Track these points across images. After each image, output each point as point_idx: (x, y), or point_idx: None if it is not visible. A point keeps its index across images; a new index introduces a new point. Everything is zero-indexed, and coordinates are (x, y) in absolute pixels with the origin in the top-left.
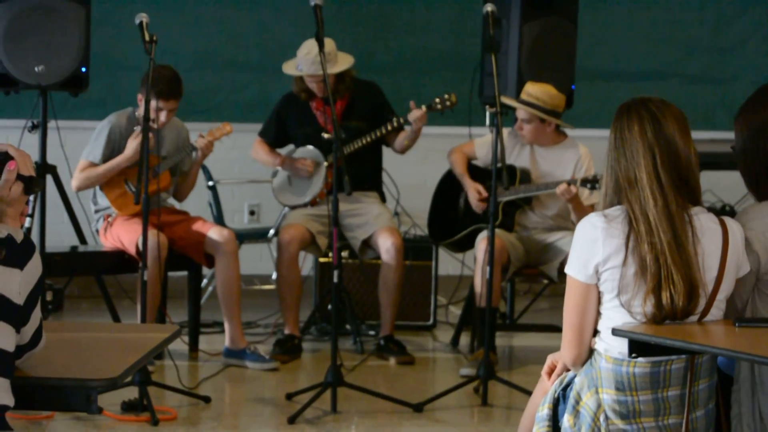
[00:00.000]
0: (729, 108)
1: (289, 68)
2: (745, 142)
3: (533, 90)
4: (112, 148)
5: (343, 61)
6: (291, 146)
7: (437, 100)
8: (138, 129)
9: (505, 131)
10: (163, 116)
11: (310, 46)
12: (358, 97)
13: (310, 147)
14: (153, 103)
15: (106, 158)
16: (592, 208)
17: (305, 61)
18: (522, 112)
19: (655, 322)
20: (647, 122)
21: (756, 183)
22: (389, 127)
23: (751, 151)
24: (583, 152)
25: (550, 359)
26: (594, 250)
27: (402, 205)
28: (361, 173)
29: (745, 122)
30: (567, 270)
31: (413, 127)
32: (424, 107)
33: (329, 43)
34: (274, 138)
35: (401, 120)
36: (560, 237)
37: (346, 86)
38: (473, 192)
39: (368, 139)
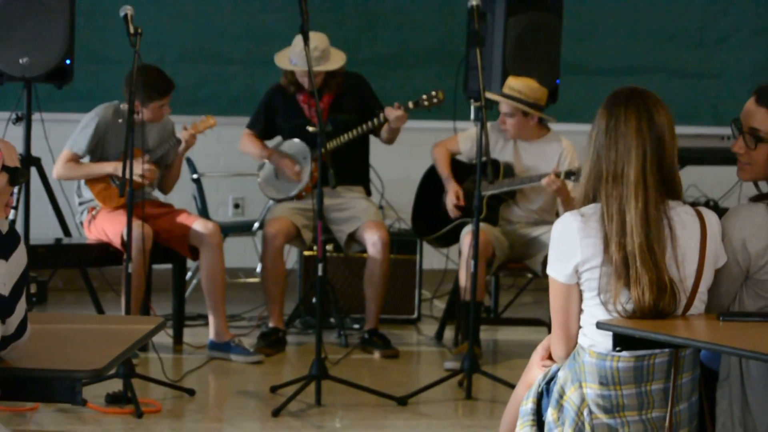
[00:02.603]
0: (714, 103)
1: (282, 61)
2: None
3: (515, 84)
4: (97, 141)
5: (337, 58)
6: (279, 138)
7: (424, 96)
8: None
9: (489, 125)
10: (165, 110)
11: (302, 42)
12: (346, 90)
13: (297, 140)
14: (156, 103)
15: (91, 150)
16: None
17: (300, 56)
18: (505, 106)
19: (629, 318)
20: (644, 119)
21: None
22: (375, 122)
23: None
24: (566, 145)
25: (543, 344)
26: (572, 251)
27: (387, 199)
28: (347, 167)
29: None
30: (548, 271)
31: (392, 125)
32: (411, 104)
33: (323, 39)
34: (262, 130)
35: (383, 115)
36: (544, 231)
37: (336, 82)
38: (452, 194)
39: (354, 133)
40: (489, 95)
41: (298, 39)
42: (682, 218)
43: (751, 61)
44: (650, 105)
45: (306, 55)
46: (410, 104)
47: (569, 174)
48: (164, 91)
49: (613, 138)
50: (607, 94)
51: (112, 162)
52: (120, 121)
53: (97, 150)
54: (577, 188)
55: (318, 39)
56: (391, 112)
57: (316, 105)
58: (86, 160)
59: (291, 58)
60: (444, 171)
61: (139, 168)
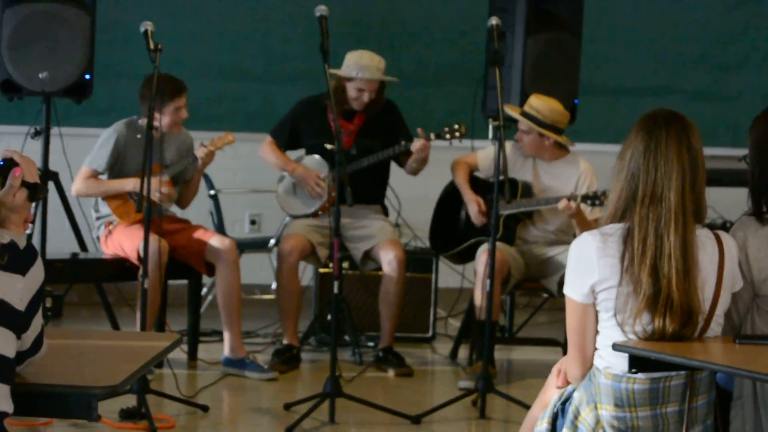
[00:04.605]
0: (731, 125)
1: (350, 66)
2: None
3: (536, 103)
4: (117, 156)
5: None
6: (302, 152)
7: (446, 129)
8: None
9: (508, 144)
10: (183, 113)
11: (369, 56)
12: (377, 117)
13: (317, 157)
14: (170, 106)
15: (110, 166)
16: (596, 223)
17: (365, 68)
18: (522, 123)
19: (646, 340)
20: (684, 143)
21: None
22: (396, 150)
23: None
24: (584, 168)
25: (557, 366)
26: (589, 271)
27: (403, 217)
28: (365, 186)
29: (751, 138)
30: (564, 290)
31: (416, 156)
32: (432, 135)
33: (381, 60)
34: (286, 141)
35: (408, 144)
36: (561, 251)
37: (376, 102)
38: (473, 204)
39: (375, 159)
40: (508, 109)
41: (356, 54)
42: (702, 241)
43: None
44: (688, 129)
45: (325, 71)
46: (432, 135)
47: (586, 198)
48: (176, 91)
49: (652, 159)
50: (625, 115)
51: (131, 179)
52: (138, 136)
53: (116, 166)
54: (603, 208)
55: (377, 56)
56: (416, 143)
57: (335, 122)
58: (105, 176)
59: (355, 70)
60: (462, 183)
61: (157, 186)
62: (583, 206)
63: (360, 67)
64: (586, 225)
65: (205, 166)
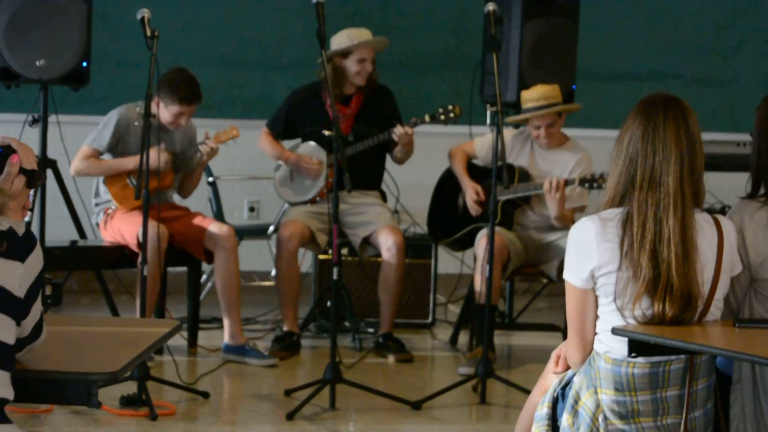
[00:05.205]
0: (729, 110)
1: (342, 42)
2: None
3: (536, 94)
4: (118, 139)
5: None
6: (299, 140)
7: (441, 110)
8: (162, 146)
9: (506, 131)
10: (183, 120)
11: (356, 29)
12: (373, 101)
13: (312, 143)
14: (174, 108)
15: (111, 148)
16: (572, 213)
17: (357, 37)
18: (541, 119)
19: (646, 325)
20: (682, 127)
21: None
22: (386, 134)
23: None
24: (583, 155)
25: (556, 352)
26: (588, 256)
27: (402, 204)
28: (363, 172)
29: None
30: (564, 275)
31: (399, 144)
32: (427, 117)
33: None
34: (281, 131)
35: (390, 131)
36: (559, 236)
37: (371, 81)
38: (471, 192)
39: (368, 144)
40: (516, 119)
41: (345, 30)
42: (701, 225)
43: (765, 67)
44: (686, 113)
45: (322, 60)
46: (427, 117)
47: (583, 181)
48: (184, 98)
49: (650, 143)
50: (622, 100)
51: (131, 158)
52: (136, 123)
53: (117, 149)
54: (585, 199)
55: (362, 28)
56: (398, 130)
57: (332, 107)
58: (106, 158)
59: (349, 41)
60: (460, 171)
61: (155, 157)
62: (578, 188)
63: (352, 37)
64: (562, 212)
65: (209, 159)
